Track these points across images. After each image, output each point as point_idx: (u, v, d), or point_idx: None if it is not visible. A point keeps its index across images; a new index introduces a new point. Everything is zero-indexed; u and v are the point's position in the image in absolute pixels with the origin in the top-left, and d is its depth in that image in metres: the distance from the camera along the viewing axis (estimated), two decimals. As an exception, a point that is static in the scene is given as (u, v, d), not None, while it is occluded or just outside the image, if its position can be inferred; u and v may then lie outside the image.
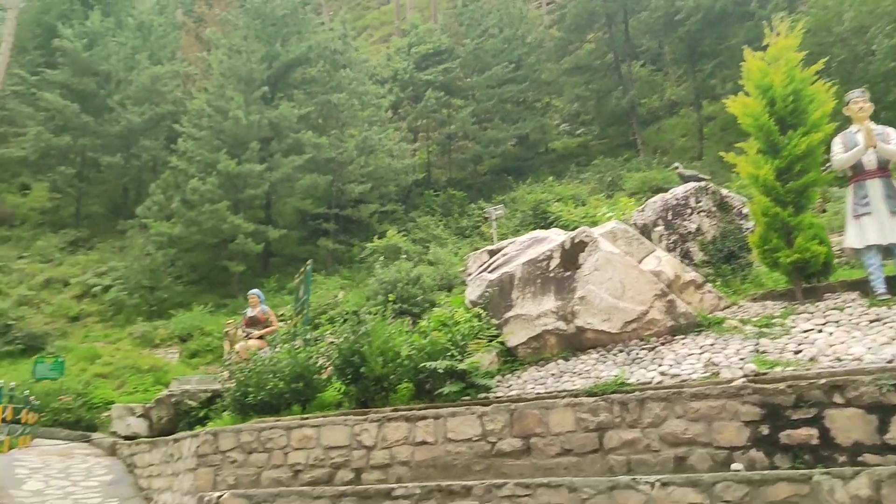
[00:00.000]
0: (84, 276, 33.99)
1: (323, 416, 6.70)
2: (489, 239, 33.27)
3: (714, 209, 10.07)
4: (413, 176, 36.22)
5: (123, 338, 30.08)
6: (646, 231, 9.58)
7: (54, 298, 32.80)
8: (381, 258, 29.21)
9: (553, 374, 6.67)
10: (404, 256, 29.69)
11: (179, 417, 13.23)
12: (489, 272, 7.69)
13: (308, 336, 10.35)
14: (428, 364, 6.73)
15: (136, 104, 35.80)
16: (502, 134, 37.24)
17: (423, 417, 6.02)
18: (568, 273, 7.23)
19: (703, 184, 10.37)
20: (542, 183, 35.56)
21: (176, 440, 8.07)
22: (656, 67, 41.33)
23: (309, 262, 10.37)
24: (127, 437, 14.21)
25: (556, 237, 8.08)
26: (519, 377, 6.84)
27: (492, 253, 8.48)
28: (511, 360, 7.08)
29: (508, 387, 6.68)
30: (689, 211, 9.84)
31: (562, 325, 7.00)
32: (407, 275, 27.47)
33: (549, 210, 31.55)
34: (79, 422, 22.99)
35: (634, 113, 36.81)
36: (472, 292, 7.55)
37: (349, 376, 7.19)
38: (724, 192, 10.56)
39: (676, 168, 11.10)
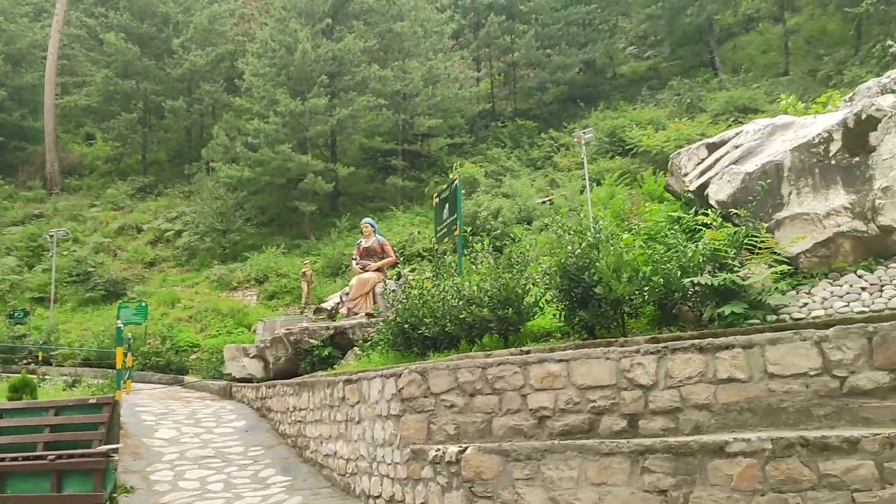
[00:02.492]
0: (156, 221, 33.13)
1: (573, 348, 5.21)
2: (565, 169, 31.30)
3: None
4: (479, 106, 34.22)
5: (201, 281, 29.23)
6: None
7: (129, 245, 32.04)
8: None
9: (864, 288, 5.08)
10: (482, 189, 28.06)
11: (299, 357, 11.99)
12: (737, 164, 6.03)
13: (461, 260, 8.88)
14: (693, 280, 5.17)
15: (197, 46, 34.19)
16: (570, 59, 34.82)
17: (728, 346, 4.48)
18: (857, 159, 5.56)
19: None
20: (615, 109, 33.31)
21: (350, 381, 6.68)
22: (729, -19, 38.19)
23: (456, 176, 8.80)
24: (241, 379, 13.07)
25: (803, 120, 6.38)
26: (810, 294, 5.25)
27: (711, 147, 6.79)
28: (788, 272, 5.46)
29: (802, 306, 5.11)
30: (915, 98, 7.91)
31: (859, 225, 5.37)
32: (487, 207, 25.92)
33: (628, 136, 29.47)
34: (168, 365, 22.24)
35: (711, 30, 34.04)
36: (720, 190, 5.91)
37: (576, 299, 5.66)
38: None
39: (891, 47, 9.14)
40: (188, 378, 21.28)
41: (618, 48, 38.65)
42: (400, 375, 5.58)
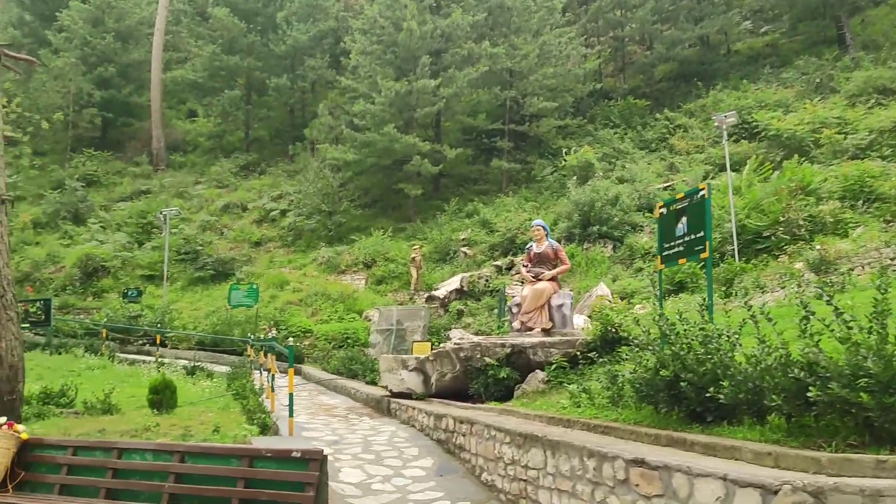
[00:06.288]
0: (260, 200, 32.31)
1: None
2: (683, 152, 28.92)
3: None
4: (589, 85, 31.99)
5: (308, 263, 28.25)
6: None
7: (235, 224, 31.34)
8: (574, 177, 25.67)
9: None
10: (599, 174, 26.01)
11: (469, 375, 10.60)
12: None
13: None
14: None
15: (300, 21, 32.98)
16: (686, 34, 32.19)
17: None
18: None
19: None
20: (734, 88, 30.62)
21: (643, 463, 5.08)
22: (859, -51, 34.59)
23: (704, 186, 7.06)
24: (398, 394, 11.79)
25: None
26: None
27: None
28: None
29: None
30: None
31: None
32: (605, 194, 23.89)
33: (755, 118, 26.88)
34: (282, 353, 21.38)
35: (842, 3, 30.78)
36: None
37: None
38: None
39: None
40: (306, 368, 20.28)
41: (733, 23, 35.59)
42: (776, 491, 3.95)
